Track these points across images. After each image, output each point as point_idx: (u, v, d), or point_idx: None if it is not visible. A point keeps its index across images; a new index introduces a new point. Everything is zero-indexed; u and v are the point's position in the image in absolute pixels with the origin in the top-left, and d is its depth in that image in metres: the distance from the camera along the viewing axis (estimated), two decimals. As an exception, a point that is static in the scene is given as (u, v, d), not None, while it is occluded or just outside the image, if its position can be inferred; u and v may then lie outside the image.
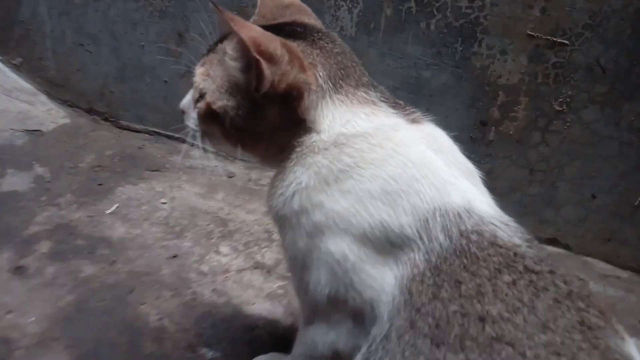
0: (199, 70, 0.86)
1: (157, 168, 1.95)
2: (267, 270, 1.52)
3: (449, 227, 0.73)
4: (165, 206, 1.75)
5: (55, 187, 1.77)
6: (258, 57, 0.73)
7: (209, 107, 0.83)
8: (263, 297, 1.43)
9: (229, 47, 0.81)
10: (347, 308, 0.78)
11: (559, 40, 1.43)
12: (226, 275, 1.49)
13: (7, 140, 1.99)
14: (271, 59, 0.74)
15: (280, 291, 1.45)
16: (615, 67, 1.42)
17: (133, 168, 1.94)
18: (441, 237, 0.73)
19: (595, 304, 0.69)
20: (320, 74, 0.81)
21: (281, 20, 0.93)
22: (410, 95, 1.64)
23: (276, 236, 1.65)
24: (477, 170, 0.86)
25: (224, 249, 1.59)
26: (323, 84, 0.80)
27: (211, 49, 0.88)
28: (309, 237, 0.79)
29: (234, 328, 1.32)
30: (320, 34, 0.86)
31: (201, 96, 0.85)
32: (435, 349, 0.65)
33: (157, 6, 1.84)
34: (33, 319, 1.26)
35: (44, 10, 2.06)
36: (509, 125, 1.59)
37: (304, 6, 0.99)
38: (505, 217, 0.78)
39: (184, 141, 2.07)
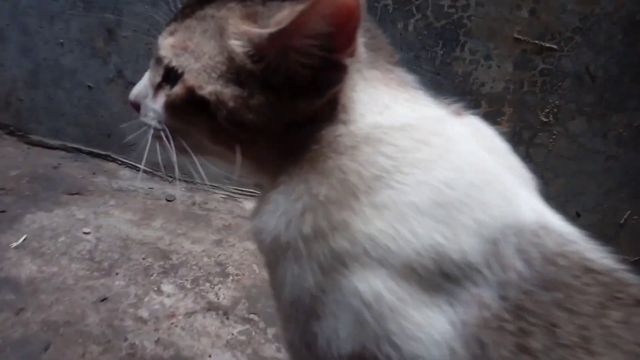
0: (166, 42, 0.60)
1: (78, 191, 1.62)
2: (224, 312, 1.25)
3: (526, 249, 0.53)
4: (89, 237, 1.43)
5: (-60, 216, 1.39)
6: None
7: (190, 92, 0.57)
8: (221, 346, 1.16)
9: (233, 20, 0.56)
10: None
11: (547, 45, 1.32)
12: (172, 321, 1.20)
13: None
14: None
15: (242, 337, 1.18)
16: (605, 75, 1.33)
17: (47, 191, 1.59)
18: (518, 263, 0.52)
19: None
20: (361, 40, 0.58)
21: None
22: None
23: (232, 269, 1.39)
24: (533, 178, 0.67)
25: (167, 287, 1.30)
26: (363, 53, 0.58)
27: (186, 14, 0.61)
28: (325, 272, 0.55)
29: (186, 390, 1.04)
30: None
31: (170, 77, 0.59)
32: None
33: (81, -5, 1.54)
34: None
35: None
36: (491, 139, 1.44)
37: None
38: (581, 234, 0.60)
39: (111, 159, 1.77)
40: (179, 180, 1.71)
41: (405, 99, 0.60)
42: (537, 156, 1.44)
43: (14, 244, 1.34)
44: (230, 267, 1.40)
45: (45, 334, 1.10)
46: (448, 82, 1.41)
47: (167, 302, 1.25)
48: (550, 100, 1.38)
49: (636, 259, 1.52)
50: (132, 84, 1.86)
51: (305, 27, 0.49)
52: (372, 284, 0.52)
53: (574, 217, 1.50)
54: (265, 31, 0.52)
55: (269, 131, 0.57)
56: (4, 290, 1.19)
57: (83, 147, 1.76)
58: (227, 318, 1.24)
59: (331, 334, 0.55)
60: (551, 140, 1.42)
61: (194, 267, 1.38)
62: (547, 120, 1.40)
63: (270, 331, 1.22)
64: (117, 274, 1.31)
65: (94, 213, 1.53)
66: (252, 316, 1.25)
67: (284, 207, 0.57)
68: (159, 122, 0.62)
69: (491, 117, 1.41)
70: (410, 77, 0.63)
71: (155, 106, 0.62)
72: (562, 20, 1.29)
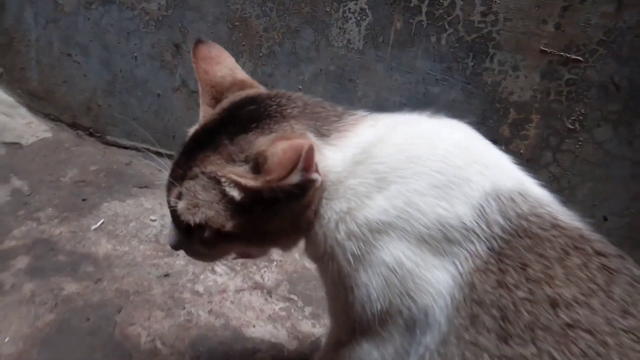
0: (180, 206, 0.75)
1: (146, 185, 1.84)
2: (268, 292, 1.41)
3: (504, 210, 0.68)
4: (155, 223, 1.63)
5: (34, 201, 1.64)
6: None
7: (218, 232, 0.74)
8: (264, 319, 1.31)
9: (221, 170, 0.72)
10: (399, 321, 0.71)
11: (572, 56, 1.41)
12: (223, 296, 1.37)
13: (-18, 152, 1.85)
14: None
15: (282, 313, 1.34)
16: (629, 84, 1.40)
17: (120, 184, 1.82)
18: (500, 220, 0.67)
19: None
20: (311, 135, 0.75)
21: (231, 99, 0.86)
22: (418, 111, 1.59)
23: (276, 256, 1.55)
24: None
25: (220, 268, 1.47)
26: (316, 141, 0.74)
27: (180, 176, 0.78)
28: (356, 257, 0.72)
29: (233, 352, 1.20)
30: (277, 100, 0.80)
31: (196, 228, 0.76)
32: (502, 344, 0.60)
33: (153, 15, 1.77)
34: (7, 339, 1.11)
35: (29, 17, 1.97)
36: (520, 144, 1.54)
37: (246, 77, 0.93)
38: (557, 201, 0.74)
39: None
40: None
41: (369, 125, 0.77)
42: (564, 162, 1.53)
43: (94, 227, 1.56)
44: (275, 254, 1.56)
45: (118, 300, 1.30)
46: (478, 92, 1.52)
47: (220, 280, 1.43)
48: (576, 109, 1.46)
49: (665, 263, 1.56)
50: (195, 92, 2.07)
51: (284, 178, 0.65)
52: (394, 254, 0.69)
53: (601, 220, 1.56)
54: (256, 183, 0.68)
55: (287, 225, 0.76)
56: (85, 263, 1.41)
57: (151, 147, 1.98)
58: (270, 296, 1.39)
59: (364, 298, 0.72)
60: (577, 146, 1.50)
61: (244, 253, 1.56)
62: (573, 127, 1.48)
63: (308, 309, 1.36)
64: (177, 255, 1.50)
65: (159, 204, 1.73)
66: (292, 296, 1.41)
67: (322, 232, 0.74)
68: (202, 251, 0.81)
69: (520, 124, 1.52)
70: (363, 112, 0.81)
71: (193, 246, 0.79)
72: (587, 33, 1.38)
